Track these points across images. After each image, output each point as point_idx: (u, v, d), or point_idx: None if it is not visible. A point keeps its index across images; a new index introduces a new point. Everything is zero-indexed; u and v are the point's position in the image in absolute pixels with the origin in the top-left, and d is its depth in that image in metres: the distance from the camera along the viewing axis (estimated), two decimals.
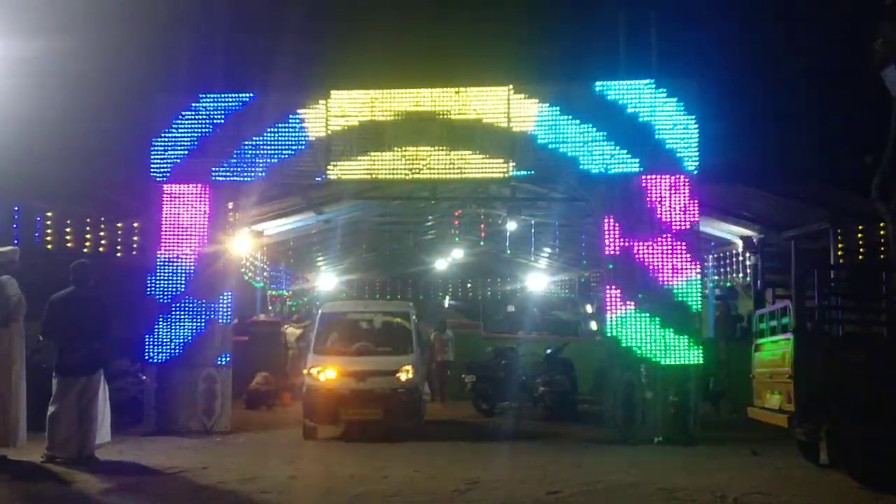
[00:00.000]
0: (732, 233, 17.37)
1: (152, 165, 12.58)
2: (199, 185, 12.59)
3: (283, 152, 12.54)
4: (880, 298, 9.42)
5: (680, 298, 11.84)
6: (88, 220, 14.24)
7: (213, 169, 12.57)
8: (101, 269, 10.18)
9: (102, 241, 14.39)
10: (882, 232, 13.44)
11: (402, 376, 12.18)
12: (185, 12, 13.57)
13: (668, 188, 12.01)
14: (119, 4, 12.70)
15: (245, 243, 14.97)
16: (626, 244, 11.99)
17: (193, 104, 12.62)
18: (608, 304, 12.12)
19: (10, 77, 10.89)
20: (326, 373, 12.20)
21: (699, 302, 12.14)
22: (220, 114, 12.63)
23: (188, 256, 12.49)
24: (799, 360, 8.46)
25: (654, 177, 12.04)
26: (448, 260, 27.85)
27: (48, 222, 13.61)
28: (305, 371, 12.65)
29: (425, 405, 13.75)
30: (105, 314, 9.65)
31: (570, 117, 12.22)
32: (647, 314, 11.82)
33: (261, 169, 12.57)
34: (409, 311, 13.74)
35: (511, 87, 12.39)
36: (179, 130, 12.61)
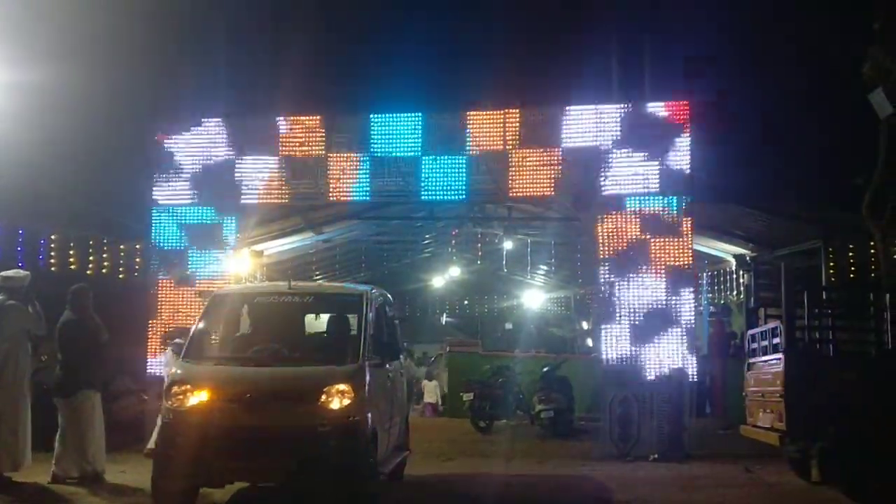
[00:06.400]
0: (726, 251, 17.57)
1: (153, 188, 12.76)
2: (199, 207, 12.75)
3: (281, 174, 12.72)
4: (869, 317, 9.59)
5: (674, 316, 11.98)
6: (91, 243, 14.43)
7: (212, 191, 12.74)
8: (104, 290, 10.27)
9: (105, 263, 14.58)
10: (872, 250, 13.64)
11: (333, 403, 7.51)
12: (186, 39, 13.78)
13: (661, 208, 12.18)
14: (122, 32, 12.90)
15: (245, 263, 15.12)
16: (620, 264, 12.15)
17: (192, 127, 12.81)
18: (603, 321, 12.28)
19: (14, 102, 11.08)
20: (197, 395, 7.64)
21: (693, 319, 12.30)
22: (220, 137, 12.81)
23: (189, 276, 12.61)
24: (789, 380, 8.63)
25: (647, 197, 12.20)
26: (445, 278, 28.01)
27: (52, 244, 13.80)
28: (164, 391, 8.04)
29: (397, 455, 9.40)
30: (95, 336, 9.70)
31: (565, 138, 12.41)
32: (642, 332, 11.96)
33: (258, 191, 12.74)
34: (362, 299, 8.58)
35: (506, 109, 12.59)
36: (179, 153, 12.78)
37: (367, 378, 7.86)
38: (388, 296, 9.95)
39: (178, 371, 8.02)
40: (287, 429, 7.39)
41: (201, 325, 8.58)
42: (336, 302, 9.18)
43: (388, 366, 8.88)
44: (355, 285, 10.53)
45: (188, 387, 7.69)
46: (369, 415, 7.77)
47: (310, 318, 9.43)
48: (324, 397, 7.50)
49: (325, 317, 9.18)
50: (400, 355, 9.82)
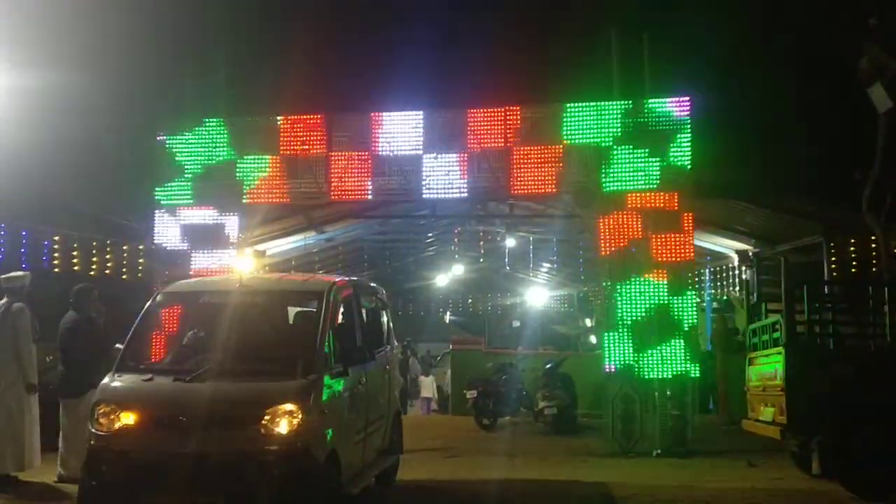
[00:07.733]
0: (728, 247, 17.62)
1: (156, 190, 12.82)
2: (203, 209, 12.82)
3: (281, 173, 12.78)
4: (869, 312, 9.61)
5: (676, 312, 11.99)
6: (94, 244, 14.53)
7: (215, 193, 12.80)
8: (107, 292, 10.33)
9: (108, 264, 14.67)
10: (874, 245, 13.65)
11: (279, 426, 6.47)
12: (190, 42, 13.84)
13: (662, 204, 12.17)
14: (125, 35, 12.96)
15: (248, 263, 15.15)
16: (622, 260, 12.16)
17: (196, 129, 12.87)
18: (605, 318, 12.30)
19: (18, 105, 11.15)
20: (125, 417, 6.63)
21: (695, 315, 12.31)
22: (222, 139, 12.87)
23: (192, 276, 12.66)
24: (789, 374, 8.67)
25: (648, 193, 12.21)
26: (448, 276, 28.09)
27: (55, 245, 13.90)
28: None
29: (385, 460, 8.62)
30: (94, 338, 9.68)
31: (565, 135, 12.42)
32: (644, 328, 11.97)
33: (262, 192, 12.80)
34: (324, 296, 7.45)
35: (506, 107, 12.62)
36: (182, 154, 12.84)
37: (323, 393, 6.83)
38: (373, 285, 9.18)
39: (108, 386, 6.93)
40: (224, 457, 6.35)
41: (140, 329, 7.46)
42: (293, 299, 8.15)
43: (364, 368, 7.79)
44: (320, 278, 9.31)
45: (115, 406, 6.69)
46: (327, 433, 6.79)
47: (270, 316, 8.03)
48: (267, 420, 6.43)
49: (290, 314, 8.17)
50: (377, 355, 8.43)
